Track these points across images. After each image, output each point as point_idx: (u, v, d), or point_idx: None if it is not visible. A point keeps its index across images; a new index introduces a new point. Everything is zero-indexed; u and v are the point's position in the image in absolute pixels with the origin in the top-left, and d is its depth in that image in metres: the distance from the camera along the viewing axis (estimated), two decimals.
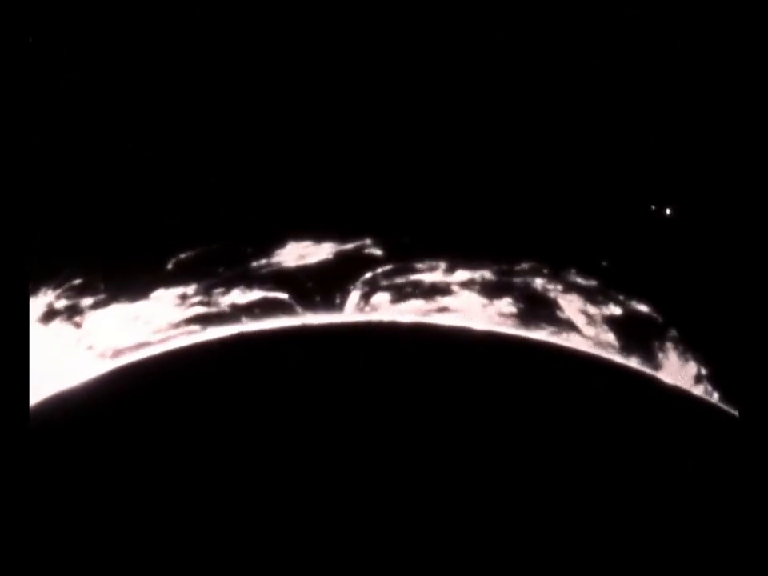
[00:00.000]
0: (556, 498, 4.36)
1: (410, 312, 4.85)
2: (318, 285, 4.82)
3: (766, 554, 3.66)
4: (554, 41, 4.68)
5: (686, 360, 4.73)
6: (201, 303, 4.81)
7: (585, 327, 4.82)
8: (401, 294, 4.86)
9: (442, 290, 4.88)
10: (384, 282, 4.85)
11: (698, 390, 4.70)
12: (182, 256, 4.78)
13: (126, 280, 4.75)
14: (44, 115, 4.56)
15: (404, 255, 4.85)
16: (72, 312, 4.73)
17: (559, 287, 4.84)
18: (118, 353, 4.72)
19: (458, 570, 4.25)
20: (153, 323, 4.78)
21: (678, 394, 4.69)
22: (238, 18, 4.68)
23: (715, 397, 4.68)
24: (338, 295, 4.82)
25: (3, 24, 3.82)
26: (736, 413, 4.49)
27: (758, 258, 3.88)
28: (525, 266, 4.84)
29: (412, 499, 4.35)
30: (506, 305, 4.85)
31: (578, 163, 4.78)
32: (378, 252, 4.84)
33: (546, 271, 4.83)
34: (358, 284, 4.84)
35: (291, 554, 4.26)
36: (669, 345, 4.76)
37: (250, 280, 4.82)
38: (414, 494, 4.36)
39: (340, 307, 4.82)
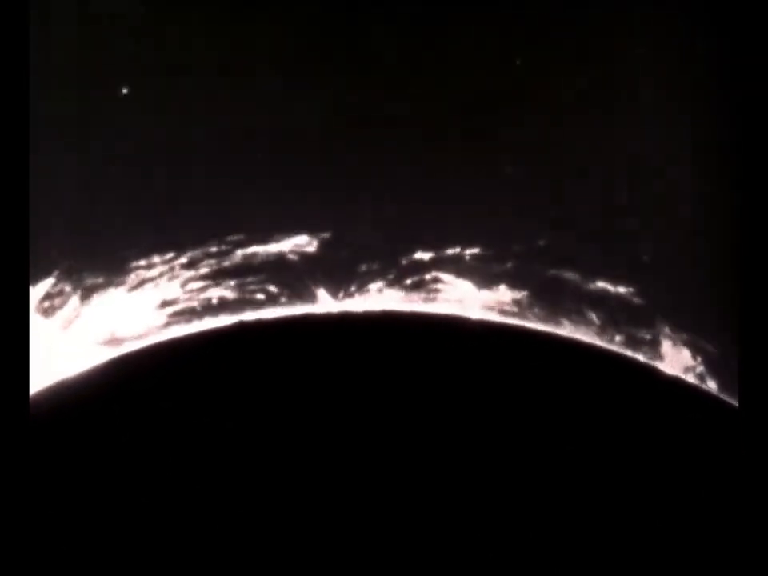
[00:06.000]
0: (554, 490, 4.36)
1: (407, 301, 4.86)
2: (316, 275, 4.83)
3: (765, 546, 3.66)
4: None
5: (686, 351, 4.74)
6: (200, 293, 4.81)
7: (584, 317, 4.82)
8: (398, 284, 4.86)
9: (439, 279, 4.88)
10: (382, 272, 4.86)
11: (698, 381, 4.71)
12: (181, 248, 4.79)
13: (126, 268, 4.76)
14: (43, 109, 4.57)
15: (401, 245, 4.85)
16: (71, 301, 4.73)
17: (558, 277, 4.84)
18: (117, 342, 4.72)
19: (459, 557, 4.27)
20: (152, 313, 4.78)
21: (677, 385, 4.69)
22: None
23: (715, 388, 4.68)
24: (336, 285, 4.83)
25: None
26: (735, 403, 4.50)
27: (756, 251, 3.87)
28: (522, 255, 4.84)
29: (411, 488, 4.36)
30: (504, 295, 4.85)
31: (574, 154, 4.79)
32: (376, 244, 4.84)
33: (544, 262, 4.83)
34: (357, 274, 4.84)
35: (290, 547, 4.26)
36: (668, 335, 4.76)
37: (251, 270, 4.82)
38: (412, 483, 4.36)
39: (338, 297, 4.82)
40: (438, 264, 4.88)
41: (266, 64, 4.75)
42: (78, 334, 4.72)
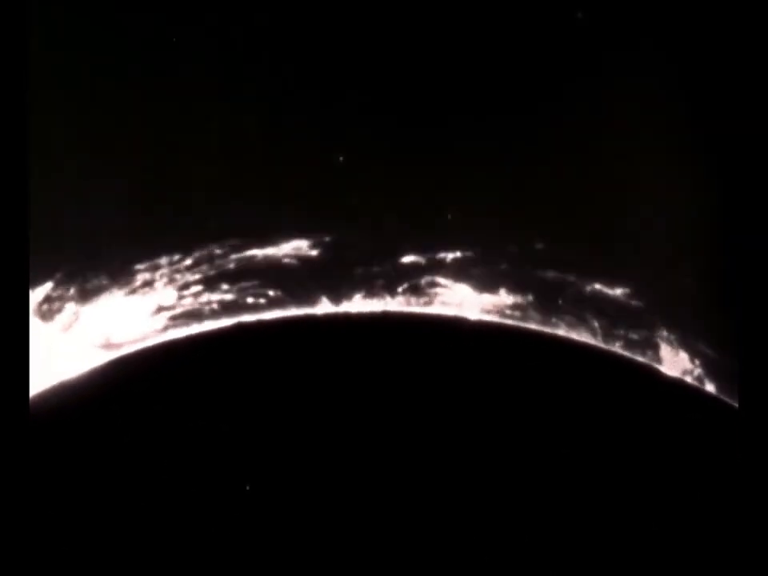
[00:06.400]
0: (557, 490, 4.37)
1: (406, 304, 4.86)
2: (315, 278, 4.83)
3: (765, 546, 3.66)
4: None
5: (684, 353, 4.74)
6: (199, 296, 4.81)
7: (582, 319, 4.82)
8: (397, 287, 4.87)
9: (437, 282, 4.88)
10: (381, 275, 4.86)
11: (698, 382, 4.71)
12: (181, 252, 4.79)
13: (124, 272, 4.76)
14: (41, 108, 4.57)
15: (400, 249, 4.86)
16: (70, 304, 4.73)
17: (556, 280, 4.84)
18: (116, 344, 4.72)
19: (457, 558, 4.27)
20: (151, 316, 4.78)
21: (678, 387, 4.69)
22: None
23: (713, 390, 4.69)
24: (335, 288, 4.83)
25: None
26: (735, 404, 4.50)
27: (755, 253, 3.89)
28: (520, 258, 4.85)
29: (410, 488, 4.36)
30: (502, 297, 4.85)
31: (572, 151, 4.80)
32: (375, 247, 4.84)
33: (542, 264, 4.84)
34: (356, 277, 4.84)
35: (288, 548, 4.26)
36: (666, 338, 4.76)
37: (250, 274, 4.83)
38: (412, 483, 4.36)
39: (337, 300, 4.82)
40: (437, 267, 4.89)
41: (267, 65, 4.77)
42: (77, 337, 4.72)
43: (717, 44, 4.33)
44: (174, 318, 4.79)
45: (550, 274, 4.84)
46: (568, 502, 4.34)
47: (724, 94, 4.37)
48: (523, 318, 4.84)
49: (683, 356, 4.73)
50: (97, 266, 4.75)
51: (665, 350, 4.75)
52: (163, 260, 4.79)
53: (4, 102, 3.80)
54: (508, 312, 4.85)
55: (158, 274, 4.80)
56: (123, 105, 4.73)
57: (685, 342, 4.74)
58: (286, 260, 4.85)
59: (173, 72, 4.72)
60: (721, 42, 4.26)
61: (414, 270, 4.88)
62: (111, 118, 4.74)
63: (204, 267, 4.82)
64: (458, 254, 4.87)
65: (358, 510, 4.30)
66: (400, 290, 4.87)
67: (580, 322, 4.82)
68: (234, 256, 4.83)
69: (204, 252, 4.81)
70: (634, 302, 4.81)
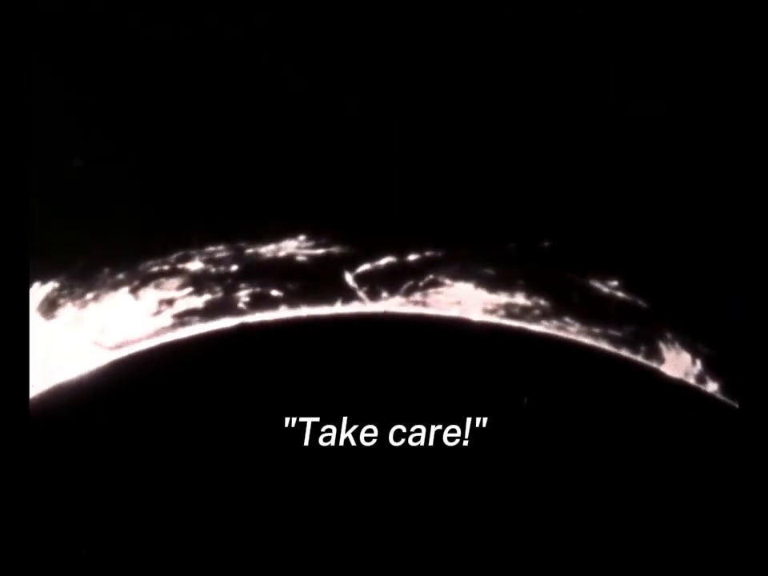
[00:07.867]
0: (554, 492, 4.37)
1: (408, 303, 4.86)
2: (318, 278, 4.83)
3: (765, 546, 3.66)
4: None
5: (686, 353, 4.73)
6: (202, 295, 4.82)
7: (583, 319, 4.81)
8: (400, 286, 4.87)
9: (439, 281, 4.88)
10: (383, 274, 4.86)
11: (699, 383, 4.70)
12: (184, 249, 4.80)
13: (127, 271, 4.77)
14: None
15: (400, 247, 4.85)
16: (72, 303, 4.74)
17: (558, 278, 4.84)
18: (118, 344, 4.73)
19: (455, 559, 4.27)
20: (154, 315, 4.79)
21: (680, 387, 4.68)
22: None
23: (716, 390, 4.68)
24: (336, 288, 4.83)
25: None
26: (736, 405, 4.50)
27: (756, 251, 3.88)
28: (523, 256, 4.84)
29: (410, 490, 4.36)
30: (505, 297, 4.85)
31: (572, 154, 4.79)
32: (374, 244, 4.84)
33: (545, 263, 4.83)
34: (357, 276, 4.84)
35: (288, 550, 4.27)
36: (669, 338, 4.75)
37: (253, 273, 4.83)
38: (412, 485, 4.37)
39: (339, 300, 4.83)
40: (438, 266, 4.88)
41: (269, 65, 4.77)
42: (78, 336, 4.72)
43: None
44: (177, 317, 4.80)
45: (553, 273, 4.84)
46: (569, 503, 4.34)
47: (725, 92, 4.36)
48: (525, 318, 4.83)
49: (685, 356, 4.72)
50: (100, 264, 4.76)
51: (667, 351, 4.74)
52: (168, 257, 4.80)
53: (5, 91, 3.81)
54: (510, 311, 4.84)
55: (162, 271, 4.80)
56: (128, 99, 4.74)
57: (687, 342, 4.73)
58: (290, 258, 4.85)
59: (177, 69, 4.73)
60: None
61: (417, 269, 4.88)
62: (116, 113, 4.75)
63: (207, 265, 4.82)
64: (462, 251, 4.87)
65: (358, 505, 4.31)
66: (403, 288, 4.87)
67: (581, 321, 4.81)
68: (237, 254, 4.83)
69: (206, 251, 4.81)
70: (636, 301, 4.80)
